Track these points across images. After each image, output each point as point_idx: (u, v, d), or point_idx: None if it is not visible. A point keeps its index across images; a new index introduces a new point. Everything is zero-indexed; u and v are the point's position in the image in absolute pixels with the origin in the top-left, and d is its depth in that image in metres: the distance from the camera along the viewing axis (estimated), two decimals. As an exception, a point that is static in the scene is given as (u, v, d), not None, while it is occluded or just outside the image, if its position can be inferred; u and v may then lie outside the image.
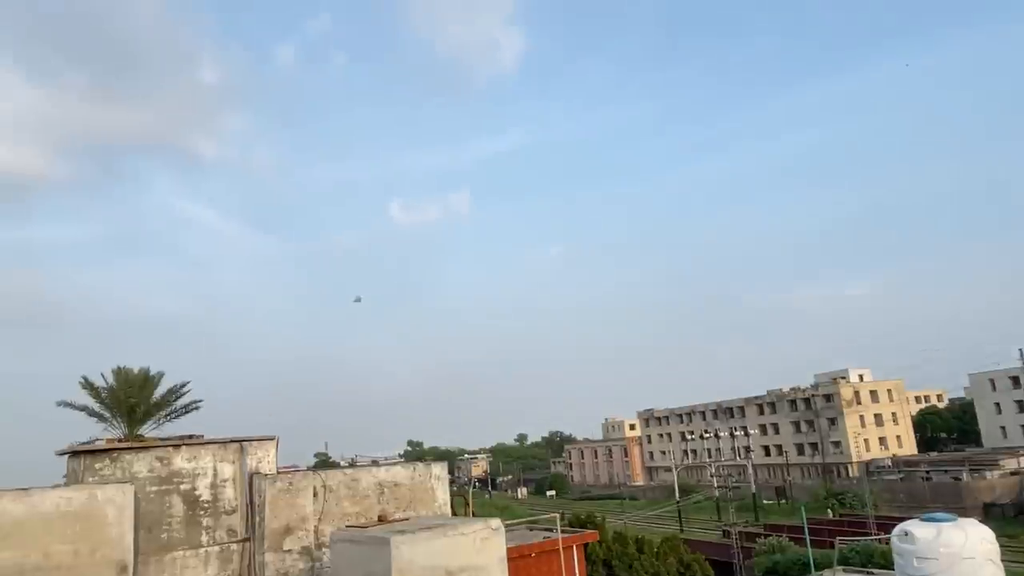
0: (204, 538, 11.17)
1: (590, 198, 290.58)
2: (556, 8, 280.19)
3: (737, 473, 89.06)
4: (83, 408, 13.33)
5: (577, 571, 23.52)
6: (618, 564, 32.08)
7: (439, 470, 13.60)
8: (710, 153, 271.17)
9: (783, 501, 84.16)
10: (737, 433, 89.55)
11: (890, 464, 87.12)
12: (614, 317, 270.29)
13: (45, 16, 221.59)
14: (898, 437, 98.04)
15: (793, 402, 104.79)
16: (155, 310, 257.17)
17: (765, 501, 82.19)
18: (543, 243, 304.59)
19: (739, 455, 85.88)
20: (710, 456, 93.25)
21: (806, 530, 27.54)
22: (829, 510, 64.53)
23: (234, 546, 11.35)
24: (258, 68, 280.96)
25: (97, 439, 12.37)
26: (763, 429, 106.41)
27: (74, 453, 11.03)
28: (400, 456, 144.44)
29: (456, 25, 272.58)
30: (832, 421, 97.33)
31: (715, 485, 79.23)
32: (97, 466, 10.75)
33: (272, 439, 12.39)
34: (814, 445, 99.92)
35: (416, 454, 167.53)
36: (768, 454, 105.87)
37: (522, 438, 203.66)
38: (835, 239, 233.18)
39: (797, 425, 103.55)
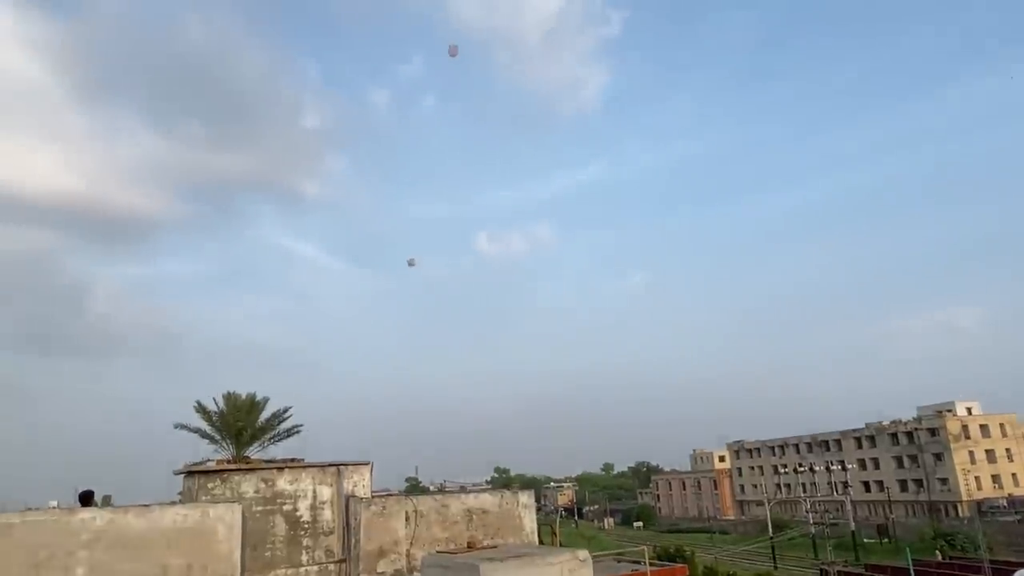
0: (304, 558, 11.74)
1: (674, 226, 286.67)
2: (639, 43, 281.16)
3: (834, 509, 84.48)
4: (197, 430, 14.28)
5: (665, 606, 23.02)
6: (708, 601, 31.18)
7: (526, 498, 13.78)
8: (801, 177, 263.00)
9: (885, 540, 79.24)
10: (834, 467, 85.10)
11: (1005, 504, 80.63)
12: (701, 346, 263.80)
13: (165, 72, 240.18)
14: (1014, 475, 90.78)
15: (894, 436, 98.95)
16: (260, 339, 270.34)
17: (865, 540, 77.63)
18: (627, 271, 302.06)
19: (836, 490, 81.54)
20: (805, 490, 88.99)
21: (912, 571, 25.93)
22: (937, 552, 60.25)
23: (332, 567, 11.87)
24: (355, 112, 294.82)
25: (209, 460, 13.20)
26: (862, 463, 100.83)
27: (189, 473, 11.86)
28: (487, 482, 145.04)
29: (541, 64, 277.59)
30: (938, 456, 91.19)
31: (811, 521, 75.51)
32: (209, 485, 11.53)
33: (367, 464, 12.92)
34: (918, 482, 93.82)
35: (502, 481, 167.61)
36: (868, 490, 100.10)
37: (608, 468, 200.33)
38: (939, 265, 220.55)
39: (899, 460, 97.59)
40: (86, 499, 11.61)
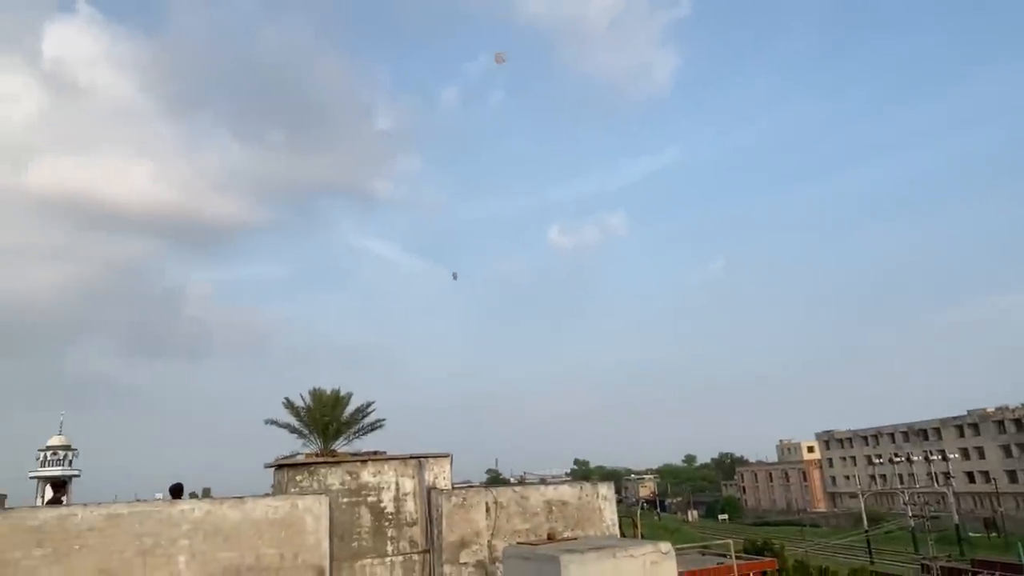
0: (389, 548, 12.05)
1: (753, 209, 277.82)
2: (707, 24, 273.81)
3: (935, 501, 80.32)
4: (286, 425, 14.84)
5: (754, 600, 22.48)
6: (800, 595, 30.21)
7: (606, 490, 13.69)
8: (890, 151, 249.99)
9: (993, 534, 74.78)
10: (933, 457, 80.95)
11: None
12: (783, 333, 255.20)
13: (245, 82, 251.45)
14: None
15: (1000, 423, 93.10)
16: (342, 336, 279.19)
17: (971, 533, 73.49)
18: (705, 258, 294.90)
19: (937, 481, 77.52)
20: (902, 482, 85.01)
21: None
22: (1052, 547, 56.48)
23: (416, 557, 12.13)
24: (426, 112, 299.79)
25: (298, 453, 13.69)
26: (964, 453, 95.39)
27: (279, 466, 12.35)
28: (567, 474, 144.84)
29: (608, 53, 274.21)
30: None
31: (910, 514, 72.07)
32: (297, 478, 11.98)
33: (447, 456, 13.13)
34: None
35: (582, 472, 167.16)
36: (972, 481, 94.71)
37: (690, 459, 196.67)
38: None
39: (1007, 449, 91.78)
40: (177, 491, 12.26)
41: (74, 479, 68.49)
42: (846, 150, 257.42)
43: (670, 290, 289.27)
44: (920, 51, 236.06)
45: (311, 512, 10.85)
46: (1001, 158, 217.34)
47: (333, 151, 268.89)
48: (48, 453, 68.70)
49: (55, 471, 67.43)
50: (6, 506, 11.08)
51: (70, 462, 70.11)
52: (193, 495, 13.45)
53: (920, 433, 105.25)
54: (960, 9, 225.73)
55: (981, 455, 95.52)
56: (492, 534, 12.10)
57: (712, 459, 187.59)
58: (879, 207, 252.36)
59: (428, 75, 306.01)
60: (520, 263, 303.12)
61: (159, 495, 16.29)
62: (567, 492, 13.24)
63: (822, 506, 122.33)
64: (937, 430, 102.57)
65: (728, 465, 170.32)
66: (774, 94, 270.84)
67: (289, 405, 15.03)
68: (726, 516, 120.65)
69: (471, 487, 13.77)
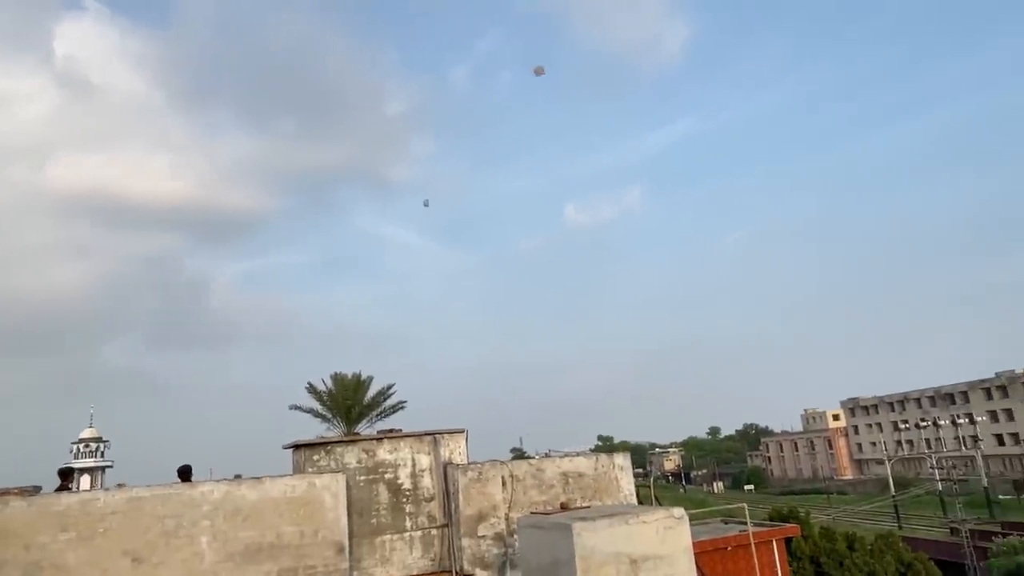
0: (408, 523, 12.18)
1: (771, 179, 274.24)
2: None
3: (963, 465, 79.66)
4: (309, 410, 14.99)
5: (779, 567, 22.50)
6: (827, 562, 30.11)
7: (622, 460, 13.70)
8: (912, 109, 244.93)
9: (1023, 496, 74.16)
10: (961, 421, 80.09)
11: None
12: (807, 301, 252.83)
13: (255, 73, 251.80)
14: None
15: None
16: (363, 321, 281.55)
17: (1001, 496, 72.89)
18: (724, 230, 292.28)
19: (965, 445, 76.76)
20: (929, 447, 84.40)
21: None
22: (1084, 507, 55.89)
23: (434, 531, 12.26)
24: (437, 92, 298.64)
25: (322, 437, 13.85)
26: (993, 416, 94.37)
27: (296, 447, 12.50)
28: (591, 450, 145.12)
29: (618, 24, 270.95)
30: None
31: (938, 478, 71.57)
32: (315, 458, 12.12)
33: (462, 431, 13.20)
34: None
35: (607, 448, 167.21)
36: (1002, 443, 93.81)
37: (714, 431, 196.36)
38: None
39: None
40: (184, 474, 12.44)
41: (106, 469, 70.25)
42: (866, 112, 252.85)
43: (690, 263, 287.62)
44: (942, 6, 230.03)
45: (329, 490, 10.97)
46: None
47: (346, 137, 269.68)
48: (81, 445, 70.41)
49: (88, 462, 69.13)
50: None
51: (102, 453, 71.83)
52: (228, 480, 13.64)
53: (947, 397, 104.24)
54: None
55: (1010, 417, 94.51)
56: (509, 507, 12.18)
57: (736, 431, 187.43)
58: (901, 169, 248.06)
59: (437, 54, 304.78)
60: (537, 241, 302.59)
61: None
62: (583, 464, 13.28)
63: (848, 474, 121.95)
64: (964, 394, 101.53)
65: (753, 436, 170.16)
66: (790, 58, 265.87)
67: (312, 390, 15.18)
68: (752, 487, 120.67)
69: (487, 462, 13.85)
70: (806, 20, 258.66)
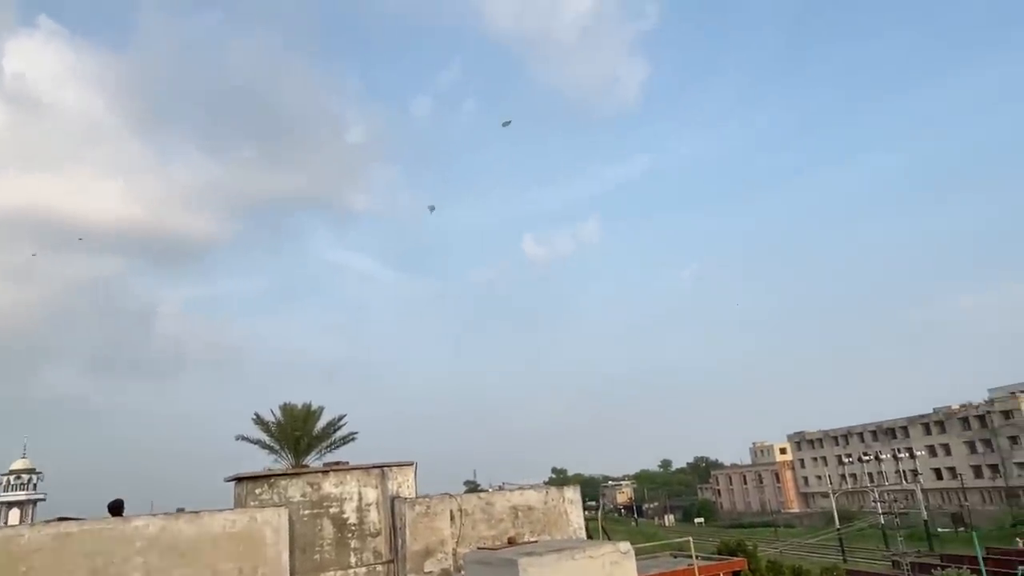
0: (353, 559, 11.87)
1: (721, 216, 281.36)
2: (676, 32, 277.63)
3: (904, 498, 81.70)
4: (257, 441, 14.63)
5: (726, 601, 22.53)
6: (773, 595, 30.41)
7: (572, 493, 13.66)
8: (848, 159, 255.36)
9: (961, 529, 76.22)
10: (901, 455, 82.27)
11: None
12: (755, 337, 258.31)
13: (214, 97, 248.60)
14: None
15: (965, 420, 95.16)
16: (316, 351, 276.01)
17: (940, 529, 74.80)
18: (677, 265, 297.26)
19: (905, 479, 78.80)
20: (872, 480, 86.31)
21: (981, 560, 24.91)
22: (1018, 539, 57.64)
23: (380, 567, 11.97)
24: (398, 122, 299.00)
25: (268, 469, 13.47)
26: (931, 450, 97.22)
27: (238, 479, 12.12)
28: (545, 483, 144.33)
29: (578, 62, 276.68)
30: (1014, 440, 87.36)
31: (880, 511, 73.13)
32: (257, 491, 11.76)
33: (411, 464, 13.00)
34: (994, 467, 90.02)
35: (560, 481, 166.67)
36: (940, 477, 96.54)
37: (666, 464, 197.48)
38: (992, 242, 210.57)
39: (972, 445, 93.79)
40: (115, 509, 11.90)
41: (38, 502, 66.85)
42: (813, 154, 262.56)
43: (643, 297, 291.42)
44: (885, 53, 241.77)
45: (270, 525, 10.65)
46: (967, 159, 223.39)
47: (306, 164, 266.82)
48: (11, 477, 66.99)
49: (19, 495, 65.71)
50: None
51: (35, 486, 68.43)
52: (166, 514, 13.10)
53: (889, 432, 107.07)
54: (924, 11, 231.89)
55: (947, 451, 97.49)
56: (457, 542, 11.99)
57: (688, 463, 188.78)
58: (845, 211, 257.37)
59: (399, 84, 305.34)
60: (493, 272, 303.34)
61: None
62: (533, 497, 13.18)
63: (795, 507, 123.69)
64: (905, 428, 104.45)
65: (704, 469, 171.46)
66: (742, 100, 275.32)
67: (259, 421, 14.83)
68: (702, 520, 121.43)
69: (435, 496, 13.64)
70: (757, 64, 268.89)
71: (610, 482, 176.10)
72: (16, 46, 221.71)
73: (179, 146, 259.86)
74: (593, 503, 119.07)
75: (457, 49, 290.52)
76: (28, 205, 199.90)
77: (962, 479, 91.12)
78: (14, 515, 62.72)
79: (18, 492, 66.32)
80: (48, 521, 10.43)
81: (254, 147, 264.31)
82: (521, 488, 13.77)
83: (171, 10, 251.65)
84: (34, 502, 66.78)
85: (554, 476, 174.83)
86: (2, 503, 64.27)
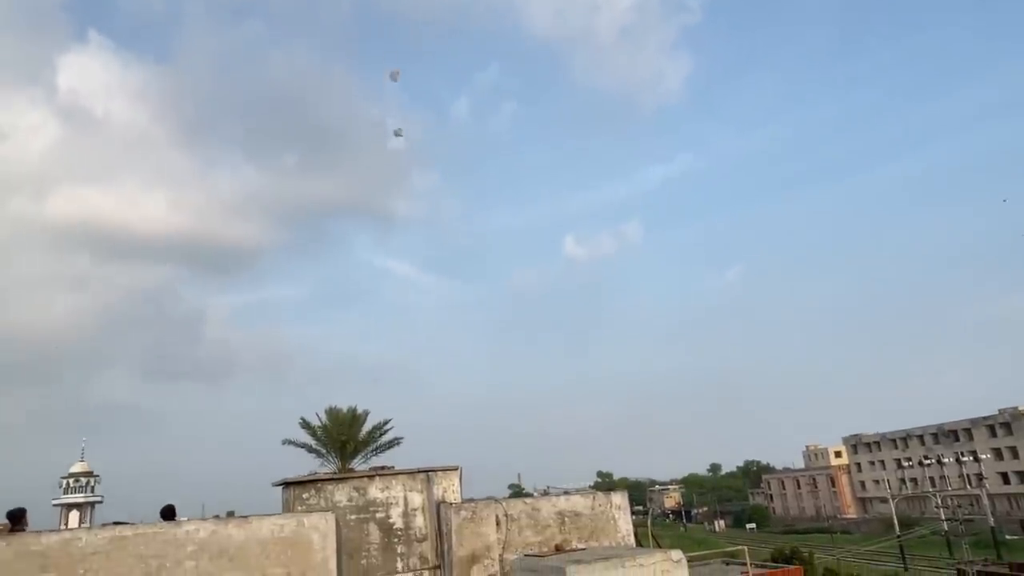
0: (399, 564, 11.84)
1: (769, 213, 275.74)
2: (720, 26, 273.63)
3: (968, 504, 78.47)
4: (303, 445, 14.71)
5: (781, 610, 21.87)
6: (831, 604, 29.44)
7: (620, 499, 13.39)
8: (912, 146, 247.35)
9: (1031, 537, 72.91)
10: (965, 458, 79.06)
11: None
12: (807, 337, 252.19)
13: (257, 107, 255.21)
14: None
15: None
16: (361, 354, 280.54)
17: (1008, 536, 71.60)
18: (722, 264, 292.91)
19: (969, 483, 75.70)
20: (933, 485, 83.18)
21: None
22: (1092, 547, 54.85)
23: (426, 573, 11.91)
24: (438, 126, 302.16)
25: (315, 473, 13.54)
26: (997, 453, 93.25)
27: (285, 484, 12.22)
28: (590, 487, 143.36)
29: (620, 60, 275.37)
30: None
31: (943, 517, 70.36)
32: (305, 496, 11.83)
33: (456, 469, 12.91)
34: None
35: (606, 485, 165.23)
36: (1007, 482, 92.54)
37: (715, 468, 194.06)
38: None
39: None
40: (168, 513, 12.08)
41: (96, 504, 69.07)
42: (862, 148, 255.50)
43: (688, 298, 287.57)
44: (934, 46, 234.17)
45: (317, 530, 10.68)
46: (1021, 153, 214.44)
47: (347, 171, 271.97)
48: (70, 480, 69.38)
49: (78, 498, 68.05)
50: (28, 522, 10.90)
51: (92, 488, 70.74)
52: (217, 518, 13.32)
53: (950, 434, 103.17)
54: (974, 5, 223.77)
55: (1015, 455, 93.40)
56: (503, 547, 11.85)
57: (738, 467, 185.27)
58: (899, 205, 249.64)
59: (438, 88, 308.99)
60: (536, 274, 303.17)
61: (184, 518, 16.19)
62: (580, 502, 12.97)
63: (852, 512, 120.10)
64: (968, 430, 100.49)
65: (754, 473, 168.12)
66: (787, 96, 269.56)
67: (305, 425, 14.92)
68: (754, 525, 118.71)
69: (481, 500, 13.51)
70: (804, 56, 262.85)
71: (657, 486, 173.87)
72: (69, 61, 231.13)
73: (224, 156, 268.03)
74: (640, 508, 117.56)
75: (495, 52, 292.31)
76: (82, 216, 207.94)
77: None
78: (74, 517, 64.97)
79: (77, 495, 68.65)
80: (104, 525, 10.67)
81: (296, 155, 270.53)
82: (567, 493, 13.56)
83: (213, 22, 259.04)
84: (92, 504, 69.04)
85: (599, 480, 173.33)
86: (63, 505, 66.65)
